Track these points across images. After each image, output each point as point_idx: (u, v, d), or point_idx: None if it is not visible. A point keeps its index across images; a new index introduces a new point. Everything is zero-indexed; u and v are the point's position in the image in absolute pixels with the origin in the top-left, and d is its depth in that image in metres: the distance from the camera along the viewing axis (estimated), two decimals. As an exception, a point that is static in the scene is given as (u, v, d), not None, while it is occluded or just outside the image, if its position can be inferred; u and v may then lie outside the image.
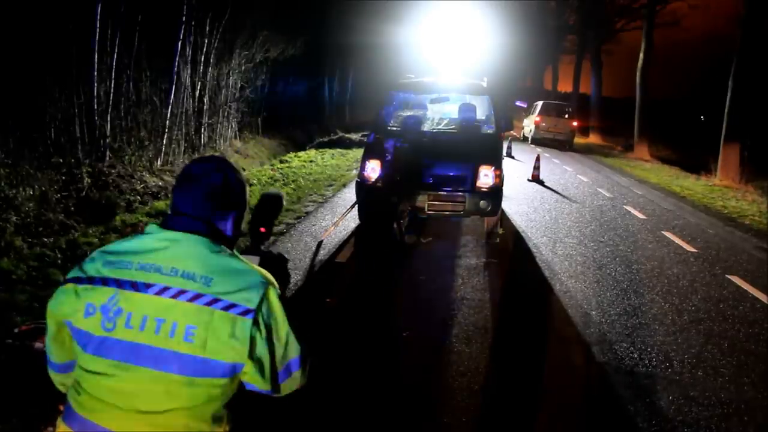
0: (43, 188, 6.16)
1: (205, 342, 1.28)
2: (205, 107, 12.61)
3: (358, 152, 12.07)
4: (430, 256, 5.98)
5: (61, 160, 7.24)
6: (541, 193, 10.48)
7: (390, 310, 4.43)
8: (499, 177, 6.39)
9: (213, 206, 1.41)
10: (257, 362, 1.34)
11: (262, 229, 1.82)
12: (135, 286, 1.31)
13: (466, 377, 3.35)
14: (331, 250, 5.96)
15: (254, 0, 13.54)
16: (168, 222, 1.39)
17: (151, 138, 10.09)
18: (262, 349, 1.34)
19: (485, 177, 6.27)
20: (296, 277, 5.03)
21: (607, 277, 5.53)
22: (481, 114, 7.80)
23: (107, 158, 8.29)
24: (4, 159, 6.09)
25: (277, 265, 1.73)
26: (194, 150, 12.05)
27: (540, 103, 22.56)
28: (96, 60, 8.07)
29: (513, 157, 15.99)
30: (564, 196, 10.32)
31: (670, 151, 24.00)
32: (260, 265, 1.52)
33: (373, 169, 6.32)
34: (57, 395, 1.53)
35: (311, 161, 13.59)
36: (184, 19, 10.85)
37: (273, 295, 1.36)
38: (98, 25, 8.06)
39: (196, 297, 1.30)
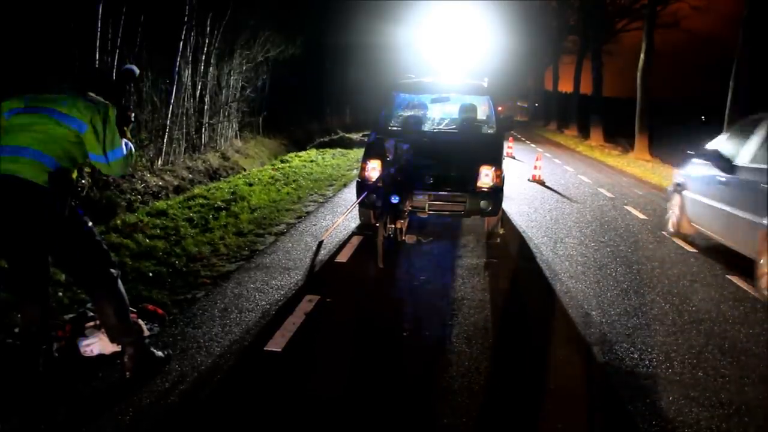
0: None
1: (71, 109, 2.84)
2: (205, 107, 12.61)
3: (359, 152, 12.08)
4: (430, 256, 5.99)
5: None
6: (541, 193, 10.48)
7: (390, 310, 4.43)
8: (500, 177, 6.40)
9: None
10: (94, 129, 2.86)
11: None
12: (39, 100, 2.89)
13: (466, 377, 3.35)
14: (331, 250, 5.97)
15: (255, 0, 13.54)
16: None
17: (152, 138, 10.09)
18: (98, 125, 2.85)
19: (486, 177, 6.28)
20: (296, 277, 5.04)
21: (607, 277, 5.53)
22: (481, 114, 7.80)
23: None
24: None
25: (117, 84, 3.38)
26: (195, 150, 12.05)
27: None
28: (97, 60, 8.08)
29: (514, 157, 16.00)
30: (565, 197, 10.32)
31: (671, 152, 23.97)
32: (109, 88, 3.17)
33: (374, 169, 6.32)
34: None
35: (312, 161, 13.60)
36: (185, 18, 10.85)
37: (111, 111, 2.91)
38: (99, 25, 8.07)
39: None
